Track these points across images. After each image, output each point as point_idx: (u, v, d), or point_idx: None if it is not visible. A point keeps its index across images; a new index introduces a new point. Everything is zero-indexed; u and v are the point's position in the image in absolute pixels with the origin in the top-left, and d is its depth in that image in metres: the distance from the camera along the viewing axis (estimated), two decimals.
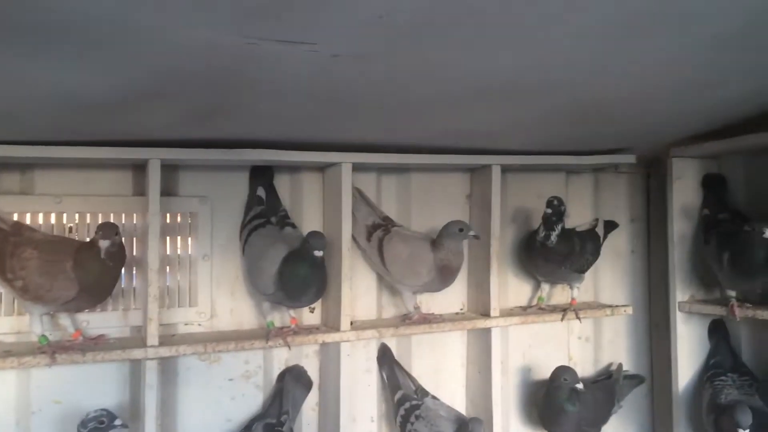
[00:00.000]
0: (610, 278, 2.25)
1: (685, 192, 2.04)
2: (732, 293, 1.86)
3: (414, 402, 1.81)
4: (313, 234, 1.60)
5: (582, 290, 2.16)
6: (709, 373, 1.94)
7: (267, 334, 1.66)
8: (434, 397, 1.88)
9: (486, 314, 1.92)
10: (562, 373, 1.84)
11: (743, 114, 1.78)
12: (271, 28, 0.94)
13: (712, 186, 2.02)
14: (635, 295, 2.28)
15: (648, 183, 2.30)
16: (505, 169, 2.02)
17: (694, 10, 1.00)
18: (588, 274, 2.15)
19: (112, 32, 0.93)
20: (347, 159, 1.75)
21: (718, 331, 2.01)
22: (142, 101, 1.26)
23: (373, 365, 1.93)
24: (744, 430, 1.62)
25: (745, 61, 1.28)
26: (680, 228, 2.03)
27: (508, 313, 1.99)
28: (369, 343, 1.91)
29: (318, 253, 1.56)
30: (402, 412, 1.80)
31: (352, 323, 1.78)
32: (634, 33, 1.08)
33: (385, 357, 1.92)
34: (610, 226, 2.12)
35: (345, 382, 1.73)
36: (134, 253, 1.69)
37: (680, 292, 2.03)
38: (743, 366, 1.93)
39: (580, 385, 1.80)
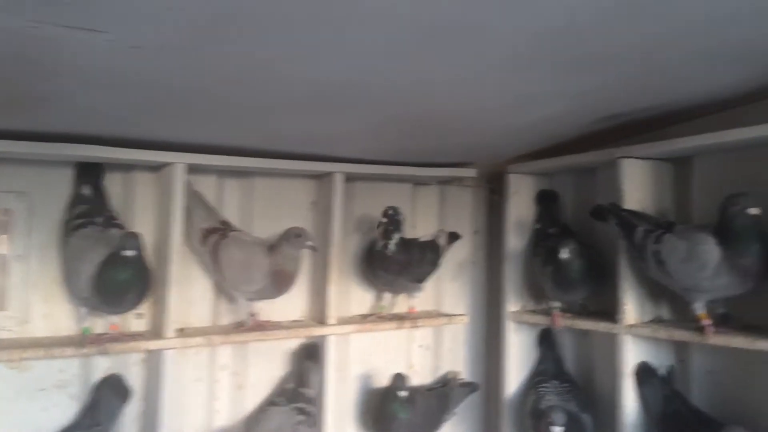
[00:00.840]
0: (452, 288, 2.31)
1: (520, 206, 2.14)
2: (556, 304, 1.96)
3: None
4: (126, 234, 1.53)
5: (425, 299, 2.22)
6: (535, 380, 2.04)
7: (81, 341, 1.57)
8: None
9: (323, 322, 1.91)
10: (395, 380, 1.86)
11: (570, 134, 1.90)
12: (52, 12, 0.89)
13: (545, 201, 2.13)
14: (475, 305, 2.35)
15: (491, 197, 2.39)
16: (354, 178, 2.05)
17: (492, 31, 1.05)
18: (431, 284, 2.21)
19: None
20: (181, 159, 1.69)
21: (546, 339, 2.12)
22: None
23: (204, 374, 1.87)
24: (559, 427, 1.71)
25: (553, 82, 1.36)
26: (515, 241, 2.13)
27: (346, 321, 2.00)
28: (200, 351, 1.85)
29: (127, 253, 1.49)
30: None
31: (181, 330, 1.72)
32: (442, 49, 1.11)
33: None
34: (453, 237, 2.18)
35: (168, 392, 1.66)
36: None
37: (512, 303, 2.12)
38: (566, 373, 2.05)
39: (402, 393, 1.83)
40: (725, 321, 1.58)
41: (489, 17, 0.99)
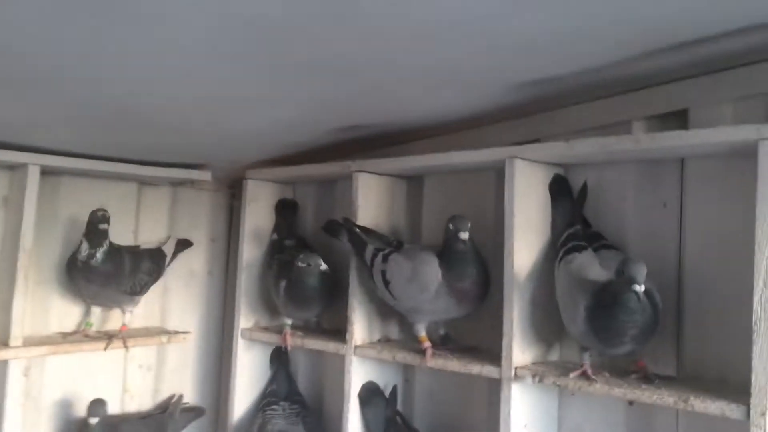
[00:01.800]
0: (182, 302, 2.09)
1: (259, 215, 1.99)
2: (288, 321, 1.84)
3: None
4: None
5: (149, 314, 1.98)
6: (264, 401, 1.90)
7: None
8: None
9: (5, 343, 1.58)
10: (90, 407, 1.60)
11: (311, 143, 1.80)
12: None
13: (284, 211, 2.00)
14: (209, 320, 2.15)
15: (232, 202, 2.21)
16: (59, 172, 1.75)
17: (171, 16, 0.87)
18: (157, 297, 1.98)
19: None
20: None
21: (279, 358, 1.99)
22: None
23: None
24: None
25: (269, 86, 1.23)
26: (251, 251, 1.97)
27: (39, 341, 1.68)
28: None
29: None
30: None
31: None
32: (109, 23, 0.91)
33: None
34: (183, 245, 1.99)
35: None
36: None
37: (245, 318, 1.96)
38: (297, 394, 1.93)
39: (95, 421, 1.58)
40: (445, 342, 1.57)
41: None
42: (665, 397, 1.16)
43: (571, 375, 1.28)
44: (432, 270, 1.45)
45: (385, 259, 1.54)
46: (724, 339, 1.25)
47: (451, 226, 1.42)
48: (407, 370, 1.76)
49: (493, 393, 1.56)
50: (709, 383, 1.23)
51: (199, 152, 1.87)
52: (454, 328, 1.60)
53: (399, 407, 1.69)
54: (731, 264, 1.24)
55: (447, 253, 1.45)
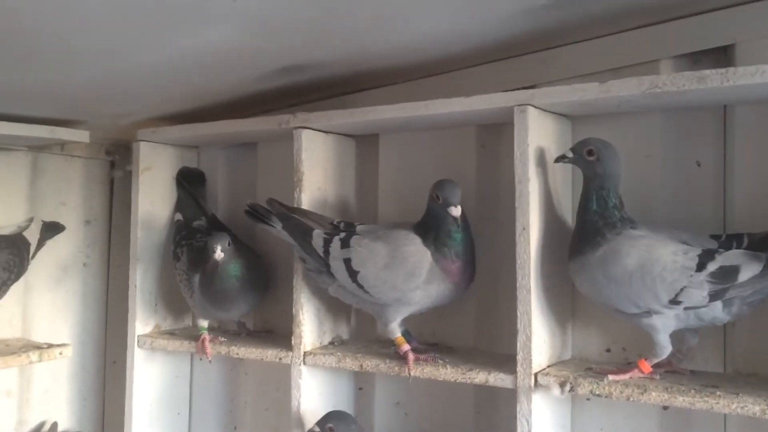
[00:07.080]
0: (49, 304, 1.61)
1: (155, 188, 1.55)
2: (204, 323, 1.44)
3: None
4: None
5: (6, 322, 1.50)
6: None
7: None
8: None
9: None
10: None
11: (235, 91, 1.39)
12: None
13: (188, 184, 1.57)
14: (87, 327, 1.69)
15: (113, 173, 1.72)
16: None
17: None
18: (13, 299, 1.50)
19: None
20: None
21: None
22: None
23: None
24: None
25: None
26: (146, 235, 1.53)
27: None
28: None
29: None
30: None
31: None
32: None
33: None
34: (52, 229, 1.54)
35: None
36: None
37: (142, 322, 1.52)
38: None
39: None
40: (409, 341, 1.23)
41: None
42: (749, 406, 0.91)
43: (611, 377, 1.01)
44: (418, 249, 1.13)
45: (345, 244, 1.18)
46: None
47: (438, 196, 1.10)
48: (360, 375, 1.42)
49: (481, 400, 1.28)
50: None
51: (72, 101, 1.37)
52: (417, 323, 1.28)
53: (356, 422, 1.34)
54: None
55: (432, 227, 1.13)
